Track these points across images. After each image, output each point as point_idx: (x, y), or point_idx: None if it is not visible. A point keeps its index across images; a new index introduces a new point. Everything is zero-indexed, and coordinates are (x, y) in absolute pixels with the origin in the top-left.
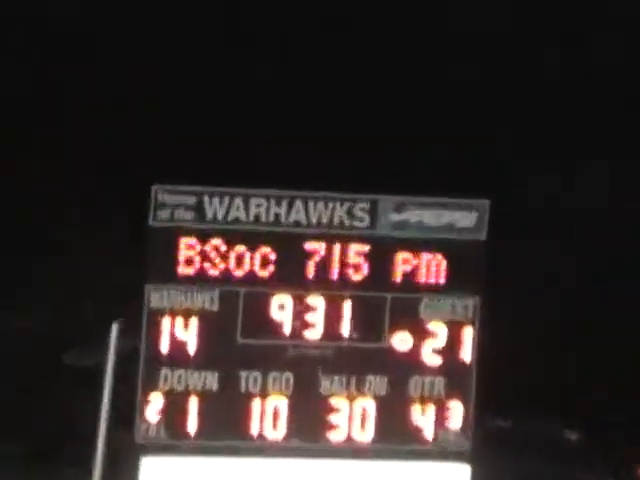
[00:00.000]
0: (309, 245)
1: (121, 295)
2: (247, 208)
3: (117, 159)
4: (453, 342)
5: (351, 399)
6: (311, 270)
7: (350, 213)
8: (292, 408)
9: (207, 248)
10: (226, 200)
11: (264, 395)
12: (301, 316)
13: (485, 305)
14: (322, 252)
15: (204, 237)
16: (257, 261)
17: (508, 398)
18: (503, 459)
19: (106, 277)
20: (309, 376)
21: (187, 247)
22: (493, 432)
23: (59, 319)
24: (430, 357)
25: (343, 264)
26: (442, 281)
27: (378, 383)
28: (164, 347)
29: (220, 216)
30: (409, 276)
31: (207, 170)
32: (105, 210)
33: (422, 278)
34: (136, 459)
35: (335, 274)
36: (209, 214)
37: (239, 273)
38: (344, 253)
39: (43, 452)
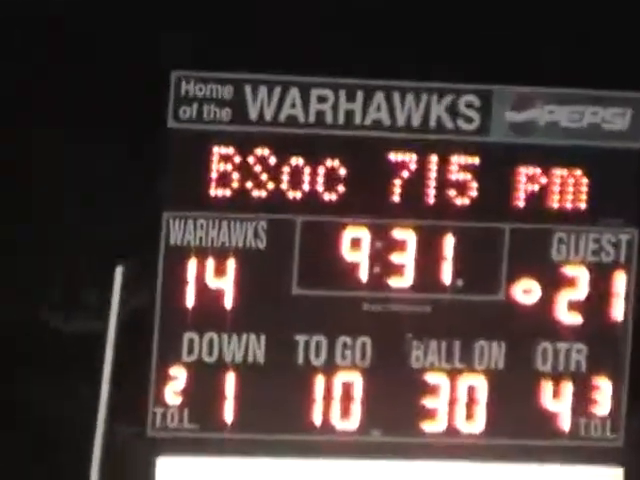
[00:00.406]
0: (394, 156)
1: (129, 228)
2: (306, 103)
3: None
4: (599, 294)
5: (454, 375)
6: (397, 191)
7: (452, 110)
8: (370, 388)
9: (250, 160)
10: (277, 91)
11: (330, 369)
12: (383, 257)
13: None
14: (413, 166)
15: (246, 145)
16: (321, 179)
17: None
18: None
19: (108, 204)
20: (394, 342)
21: (222, 159)
22: None
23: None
24: (566, 315)
25: (443, 183)
26: (583, 207)
27: (493, 352)
28: (189, 301)
29: (269, 115)
30: (536, 200)
31: (248, 52)
32: (109, 108)
33: (554, 203)
34: (149, 460)
35: (431, 197)
36: (252, 112)
37: (295, 195)
38: (444, 167)
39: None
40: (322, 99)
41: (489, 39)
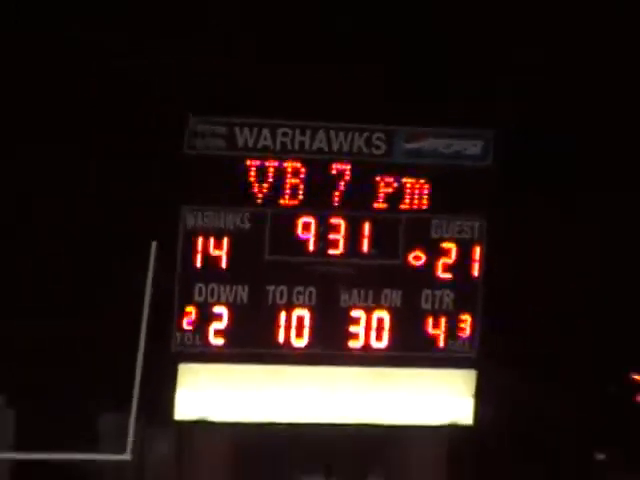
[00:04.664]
0: (335, 169)
1: (158, 217)
2: (274, 137)
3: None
4: (463, 260)
5: (369, 311)
6: (337, 193)
7: (368, 142)
8: (315, 319)
9: (239, 174)
10: (257, 129)
11: (289, 307)
12: (324, 236)
13: (494, 226)
14: (347, 176)
15: (236, 163)
16: (288, 188)
17: (514, 312)
18: (507, 367)
19: (145, 200)
20: (330, 291)
21: (219, 173)
22: (499, 343)
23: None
24: (441, 273)
25: (364, 187)
26: (450, 204)
27: (394, 297)
28: (198, 263)
29: (250, 144)
30: (422, 198)
31: (236, 104)
32: (143, 142)
33: (432, 201)
34: (173, 366)
35: (359, 195)
36: (240, 143)
37: (267, 196)
38: (365, 177)
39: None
40: (284, 134)
41: (393, 98)
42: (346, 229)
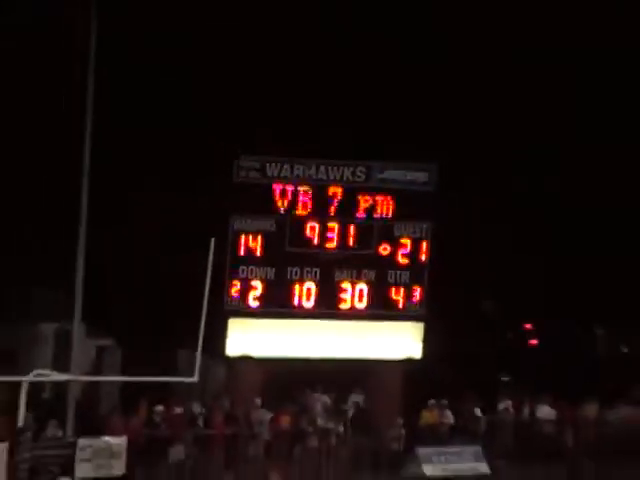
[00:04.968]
0: (331, 190)
1: (214, 222)
2: (292, 170)
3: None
4: (415, 250)
5: (353, 284)
6: (332, 205)
7: (353, 173)
8: (318, 289)
9: (268, 194)
10: (281, 165)
11: (301, 281)
12: (325, 236)
13: (435, 229)
14: (339, 196)
15: (267, 186)
16: (301, 200)
17: (447, 285)
18: (444, 320)
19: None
20: (329, 271)
21: (255, 193)
22: (439, 305)
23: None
24: (401, 260)
25: (350, 204)
26: (407, 213)
27: (370, 274)
28: (242, 253)
29: (275, 175)
30: (388, 211)
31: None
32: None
33: (395, 212)
34: (225, 319)
35: (344, 209)
36: (268, 173)
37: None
38: (350, 197)
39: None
40: (298, 168)
41: (370, 145)
42: (338, 231)
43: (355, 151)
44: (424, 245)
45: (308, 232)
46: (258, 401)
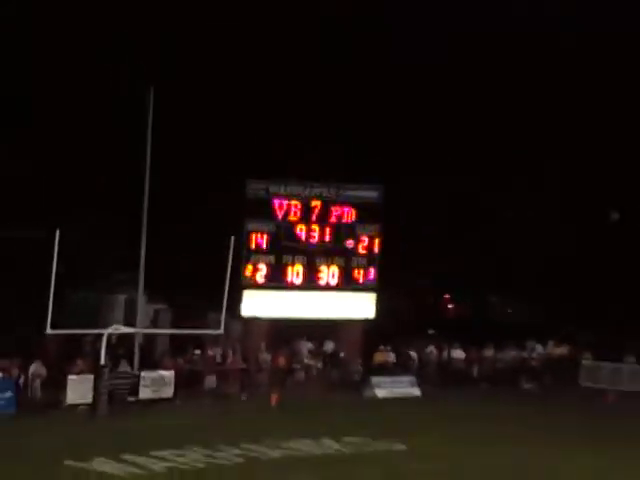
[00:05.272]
0: (313, 204)
1: (230, 226)
2: (286, 189)
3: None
4: (370, 244)
5: (328, 267)
6: (314, 212)
7: (329, 191)
8: (304, 270)
9: (270, 206)
10: (279, 186)
11: (293, 264)
12: (310, 234)
13: (383, 230)
14: (318, 208)
15: (270, 201)
16: (297, 210)
17: (394, 268)
18: (390, 292)
19: (225, 219)
20: (313, 258)
21: (261, 205)
22: (387, 281)
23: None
24: (361, 251)
25: (326, 213)
26: (364, 219)
27: (343, 261)
28: (253, 246)
29: (276, 192)
30: (351, 217)
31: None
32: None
33: (356, 218)
34: (241, 290)
35: (324, 215)
36: (271, 191)
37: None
38: (326, 208)
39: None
40: (295, 187)
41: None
42: (319, 231)
43: (328, 174)
44: (376, 240)
45: (297, 232)
46: (263, 346)
